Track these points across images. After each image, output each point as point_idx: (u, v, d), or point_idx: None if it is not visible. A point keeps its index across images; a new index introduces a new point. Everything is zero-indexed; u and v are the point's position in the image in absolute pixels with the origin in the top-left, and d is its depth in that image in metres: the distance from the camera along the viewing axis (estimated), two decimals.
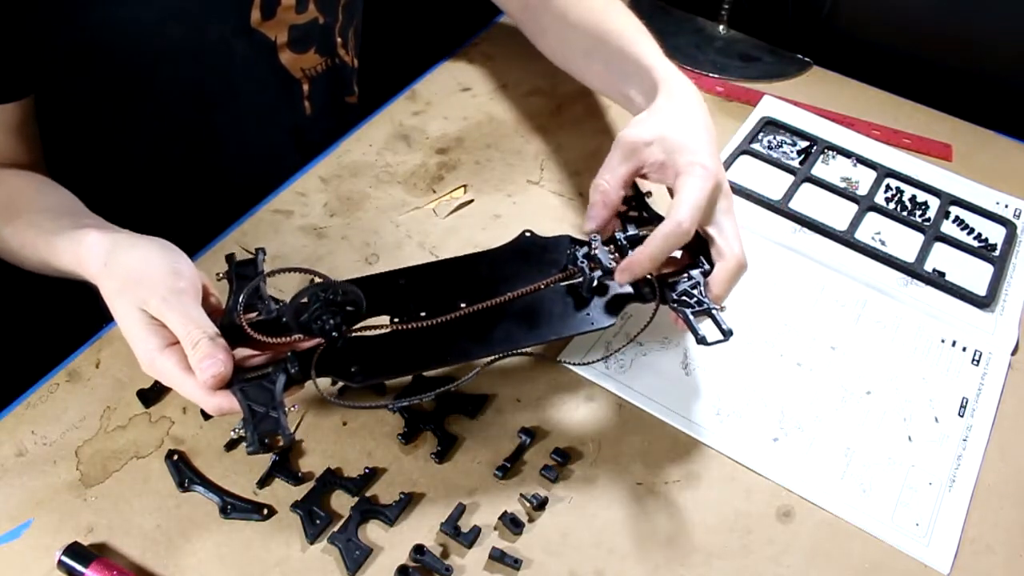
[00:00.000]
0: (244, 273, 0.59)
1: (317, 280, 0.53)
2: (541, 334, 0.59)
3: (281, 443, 0.51)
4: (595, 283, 0.59)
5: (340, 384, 0.57)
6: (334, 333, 0.53)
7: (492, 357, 0.58)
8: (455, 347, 0.57)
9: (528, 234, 0.63)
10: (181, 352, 0.52)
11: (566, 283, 0.60)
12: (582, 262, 0.59)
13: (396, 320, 0.57)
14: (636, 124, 0.63)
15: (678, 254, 0.61)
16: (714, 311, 0.57)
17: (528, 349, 0.59)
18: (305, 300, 0.52)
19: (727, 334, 0.56)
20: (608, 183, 0.62)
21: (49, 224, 0.63)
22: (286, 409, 0.52)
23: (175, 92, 0.73)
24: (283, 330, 0.54)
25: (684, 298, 0.58)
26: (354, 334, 0.55)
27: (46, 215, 0.64)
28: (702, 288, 0.58)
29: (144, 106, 0.73)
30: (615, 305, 0.60)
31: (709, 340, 0.55)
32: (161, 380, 0.54)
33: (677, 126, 0.62)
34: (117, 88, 0.71)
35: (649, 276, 0.58)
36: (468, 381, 0.59)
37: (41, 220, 0.64)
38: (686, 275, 0.59)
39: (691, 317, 0.57)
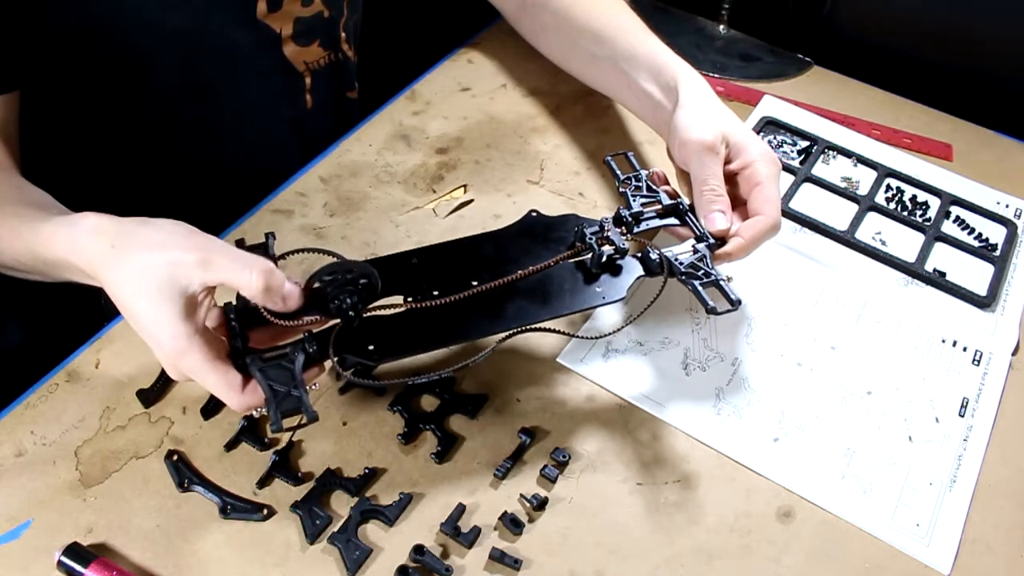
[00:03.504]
0: None
1: (331, 259, 0.53)
2: (554, 308, 0.59)
3: (304, 421, 0.50)
4: (604, 258, 0.60)
5: (350, 370, 0.57)
6: (351, 313, 0.53)
7: (509, 332, 0.58)
8: (469, 324, 0.58)
9: (534, 214, 0.64)
10: (208, 344, 0.51)
11: (575, 260, 0.61)
12: (590, 239, 0.60)
13: (410, 299, 0.57)
14: (691, 125, 0.64)
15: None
16: (721, 282, 0.58)
17: (542, 325, 0.60)
18: (319, 285, 0.52)
19: (735, 303, 0.57)
20: (716, 186, 0.62)
21: (34, 213, 0.58)
22: (307, 388, 0.52)
23: (176, 83, 0.73)
24: (298, 312, 0.54)
25: (691, 270, 0.59)
26: (369, 313, 0.55)
27: (30, 207, 0.59)
28: (708, 260, 0.60)
29: (145, 96, 0.73)
30: (625, 279, 0.61)
31: (719, 310, 0.56)
32: (184, 375, 0.52)
33: (722, 118, 0.65)
34: (118, 78, 0.70)
35: (657, 250, 0.60)
36: (483, 358, 0.58)
37: (24, 210, 0.59)
38: (692, 248, 0.61)
39: (700, 288, 0.57)
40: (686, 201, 0.65)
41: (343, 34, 0.84)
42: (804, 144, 0.87)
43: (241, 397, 0.51)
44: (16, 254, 0.58)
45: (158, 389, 0.62)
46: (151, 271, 0.50)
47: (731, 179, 0.64)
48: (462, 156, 0.82)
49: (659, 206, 0.64)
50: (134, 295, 0.51)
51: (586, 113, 0.87)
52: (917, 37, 0.98)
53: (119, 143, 0.76)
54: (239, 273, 0.50)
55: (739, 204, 0.64)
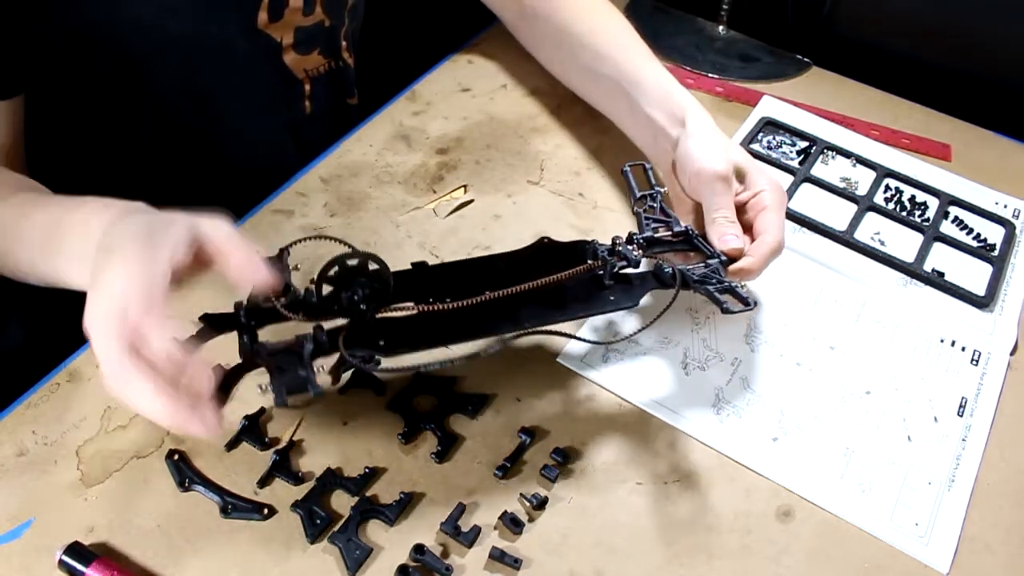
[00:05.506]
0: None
1: (341, 246, 0.53)
2: (567, 312, 0.60)
3: (310, 396, 0.50)
4: (616, 269, 0.61)
5: (350, 372, 0.57)
6: (362, 305, 0.53)
7: (521, 331, 0.59)
8: (482, 325, 0.58)
9: (546, 240, 0.64)
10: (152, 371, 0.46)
11: (589, 273, 0.62)
12: (602, 252, 0.61)
13: (422, 305, 0.57)
14: (704, 155, 0.65)
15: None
16: (735, 286, 0.59)
17: (556, 328, 0.60)
18: (331, 274, 0.53)
19: (749, 303, 0.58)
20: (728, 216, 0.63)
21: (36, 198, 0.60)
22: (315, 369, 0.52)
23: (175, 89, 0.73)
24: (313, 311, 0.54)
25: (704, 280, 0.60)
26: (381, 315, 0.55)
27: (28, 195, 0.61)
28: (721, 272, 0.61)
29: (144, 101, 0.73)
30: (637, 290, 0.62)
31: (733, 309, 0.57)
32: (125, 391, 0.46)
33: (731, 149, 0.66)
34: (116, 84, 0.70)
35: (670, 264, 0.61)
36: (493, 351, 0.58)
37: (21, 201, 0.60)
38: (704, 263, 0.62)
39: (714, 292, 0.59)
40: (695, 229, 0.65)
41: (344, 42, 0.84)
42: (803, 144, 0.87)
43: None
44: (18, 265, 0.61)
45: None
46: (160, 221, 0.50)
47: (739, 208, 0.66)
48: (462, 156, 0.82)
49: (670, 233, 0.64)
50: (138, 234, 0.49)
51: (586, 113, 0.87)
52: (917, 37, 0.98)
53: (118, 147, 0.76)
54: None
55: (746, 232, 0.65)
